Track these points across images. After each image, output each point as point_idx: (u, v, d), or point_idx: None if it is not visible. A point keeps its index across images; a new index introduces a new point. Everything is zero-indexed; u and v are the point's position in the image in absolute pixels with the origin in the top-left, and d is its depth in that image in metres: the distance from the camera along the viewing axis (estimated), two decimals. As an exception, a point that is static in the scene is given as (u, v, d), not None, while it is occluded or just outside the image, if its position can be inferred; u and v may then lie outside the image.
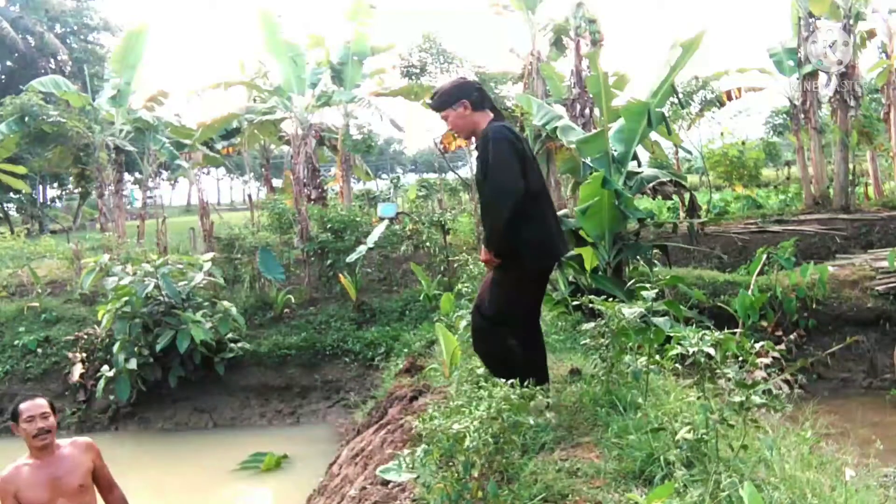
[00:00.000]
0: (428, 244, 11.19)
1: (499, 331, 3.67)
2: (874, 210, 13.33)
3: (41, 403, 3.61)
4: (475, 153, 3.81)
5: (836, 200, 13.44)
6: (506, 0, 15.15)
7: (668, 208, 14.62)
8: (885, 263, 9.63)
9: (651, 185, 7.59)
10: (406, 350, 7.98)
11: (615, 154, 7.69)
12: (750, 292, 8.30)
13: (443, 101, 3.73)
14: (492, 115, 3.73)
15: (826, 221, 12.55)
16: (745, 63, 20.92)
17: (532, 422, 2.97)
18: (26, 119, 13.83)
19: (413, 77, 14.97)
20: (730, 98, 16.14)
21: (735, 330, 6.61)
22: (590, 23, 13.82)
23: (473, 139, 3.84)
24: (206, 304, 9.74)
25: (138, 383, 9.15)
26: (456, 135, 3.83)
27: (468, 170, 21.27)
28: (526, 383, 3.03)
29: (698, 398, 2.88)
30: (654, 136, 10.84)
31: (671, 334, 3.23)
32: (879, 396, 8.31)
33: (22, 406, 3.57)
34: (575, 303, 4.70)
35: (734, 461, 2.71)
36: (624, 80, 15.09)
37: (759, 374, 3.71)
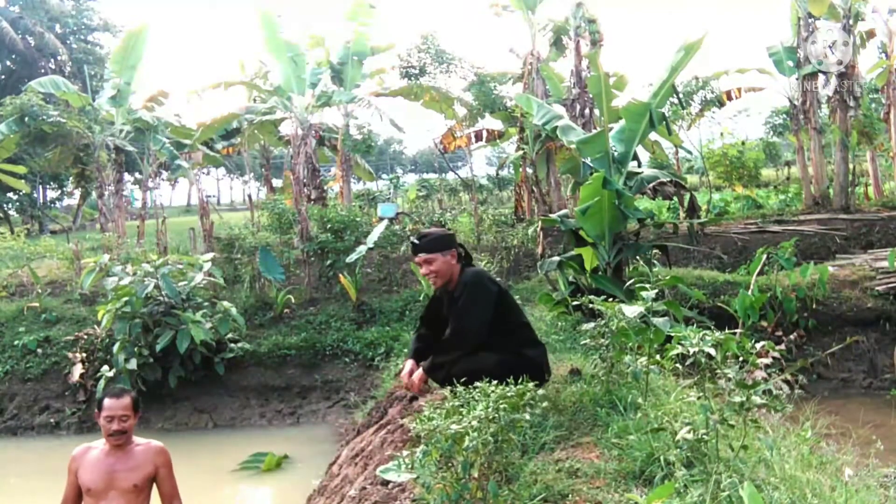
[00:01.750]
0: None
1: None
2: (874, 210, 13.33)
3: (124, 404, 3.57)
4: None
5: (836, 200, 13.44)
6: (505, 0, 15.14)
7: (668, 208, 14.62)
8: (885, 263, 9.63)
9: (651, 185, 7.59)
10: (406, 350, 7.97)
11: (615, 154, 7.69)
12: (750, 292, 8.31)
13: (436, 245, 3.91)
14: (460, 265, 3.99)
15: (826, 221, 12.55)
16: (745, 63, 20.91)
17: (528, 417, 2.98)
18: (26, 119, 13.83)
19: (412, 78, 14.98)
20: (730, 98, 16.13)
21: (735, 330, 6.61)
22: (590, 23, 13.82)
23: (442, 285, 4.01)
24: (206, 304, 9.74)
25: (138, 383, 9.13)
26: (429, 278, 3.98)
27: (468, 170, 21.30)
28: (521, 380, 3.06)
29: (698, 398, 2.88)
30: (654, 136, 10.86)
31: (671, 334, 3.23)
32: (879, 396, 8.31)
33: (106, 402, 3.57)
34: (575, 303, 4.70)
35: (734, 461, 2.71)
36: (623, 80, 15.10)
37: (760, 374, 3.71)
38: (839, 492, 2.68)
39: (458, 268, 3.93)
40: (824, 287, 9.04)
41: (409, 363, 4.18)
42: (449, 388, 3.87)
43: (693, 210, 8.35)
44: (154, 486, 3.71)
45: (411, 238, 4.06)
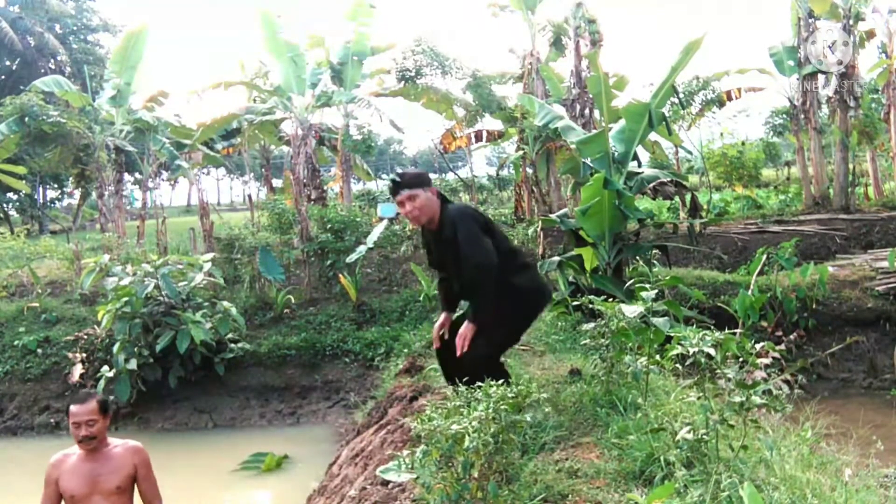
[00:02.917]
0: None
1: (496, 362, 3.83)
2: (874, 210, 13.33)
3: (89, 409, 3.52)
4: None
5: (836, 201, 13.44)
6: (504, 0, 15.15)
7: (669, 208, 14.62)
8: (885, 263, 9.63)
9: (651, 185, 7.58)
10: (406, 350, 7.97)
11: (615, 154, 7.69)
12: (750, 292, 8.30)
13: (417, 181, 3.83)
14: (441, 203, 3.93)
15: (826, 222, 12.55)
16: (745, 63, 20.92)
17: (529, 419, 2.98)
18: (26, 119, 13.82)
19: (409, 81, 14.99)
20: (730, 98, 16.14)
21: (735, 330, 6.61)
22: (589, 23, 13.82)
23: (425, 222, 3.93)
24: (206, 304, 9.73)
25: (138, 384, 9.15)
26: (412, 218, 3.90)
27: (468, 170, 21.29)
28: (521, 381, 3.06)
29: (698, 398, 2.88)
30: (654, 136, 10.84)
31: (671, 334, 3.23)
32: (879, 396, 8.30)
33: (71, 408, 3.54)
34: (575, 303, 4.70)
35: (734, 461, 2.71)
36: (623, 81, 15.09)
37: (760, 374, 3.71)
38: (839, 492, 2.68)
39: (439, 205, 3.86)
40: (824, 287, 9.03)
41: (442, 316, 4.12)
42: (451, 387, 3.87)
43: (695, 209, 8.35)
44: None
45: (391, 177, 3.93)
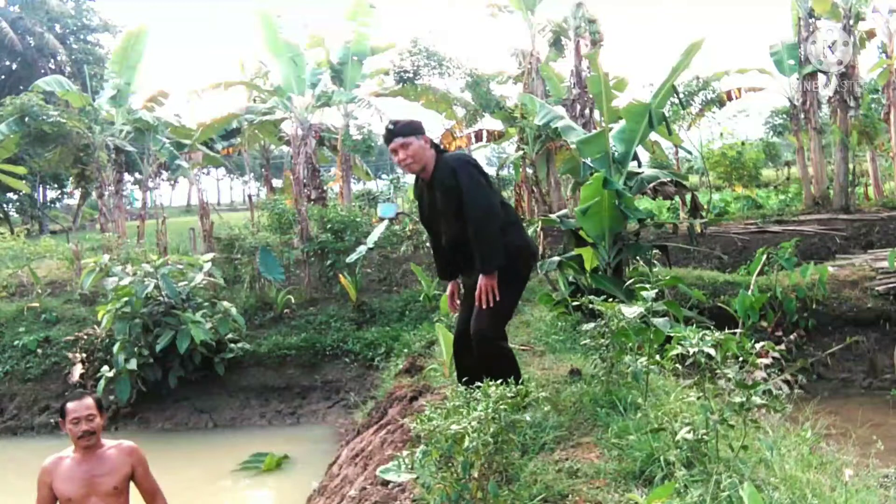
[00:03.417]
0: (428, 244, 11.19)
1: (503, 345, 3.80)
2: (874, 210, 13.33)
3: (88, 404, 3.53)
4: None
5: (836, 201, 13.44)
6: (504, 1, 15.14)
7: (669, 208, 14.62)
8: (885, 264, 9.63)
9: (651, 185, 7.58)
10: (406, 350, 7.97)
11: (615, 154, 7.68)
12: (750, 292, 8.30)
13: (410, 129, 3.79)
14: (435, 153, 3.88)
15: (826, 222, 12.54)
16: (745, 63, 20.92)
17: (529, 419, 2.98)
18: (26, 119, 13.80)
19: (407, 82, 14.99)
20: (730, 98, 16.12)
21: (735, 330, 6.60)
22: (589, 23, 13.82)
23: (418, 170, 3.88)
24: (206, 304, 9.73)
25: (138, 383, 9.15)
26: (406, 166, 3.85)
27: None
28: (521, 381, 3.07)
29: (698, 398, 2.88)
30: (654, 136, 10.84)
31: (671, 334, 3.23)
32: (879, 396, 8.30)
33: (69, 406, 3.54)
34: (575, 303, 4.70)
35: (734, 461, 2.71)
36: (623, 83, 15.09)
37: (760, 374, 3.71)
38: (839, 492, 2.67)
39: (433, 154, 3.83)
40: (824, 287, 9.03)
41: (450, 286, 4.10)
42: (450, 386, 3.87)
43: (695, 209, 8.35)
44: (133, 485, 3.67)
45: (386, 126, 3.88)
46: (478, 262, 3.66)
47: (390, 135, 3.78)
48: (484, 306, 3.61)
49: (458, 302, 4.09)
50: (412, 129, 3.79)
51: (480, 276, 3.64)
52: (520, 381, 3.24)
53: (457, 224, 3.74)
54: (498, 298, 3.63)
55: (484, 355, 3.70)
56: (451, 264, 4.05)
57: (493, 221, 3.64)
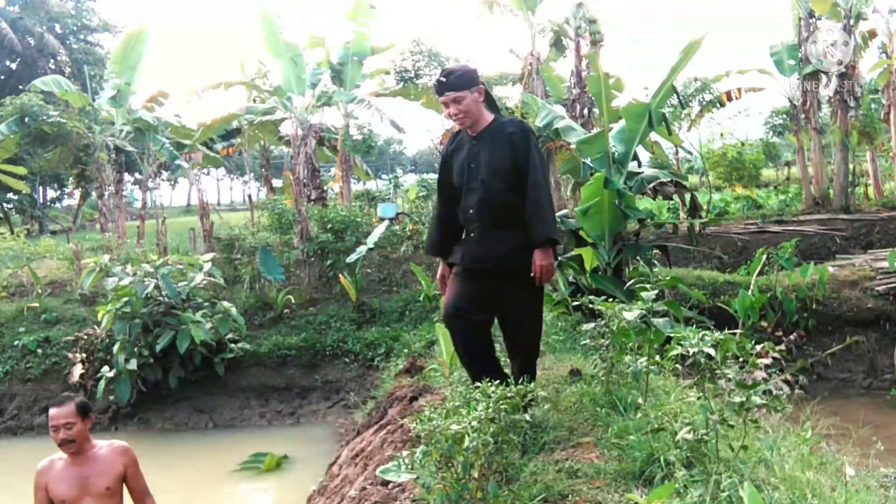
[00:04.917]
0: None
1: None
2: (874, 210, 13.34)
3: (67, 411, 3.46)
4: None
5: (836, 201, 13.44)
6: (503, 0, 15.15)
7: (669, 208, 14.62)
8: (885, 264, 9.63)
9: (651, 185, 7.59)
10: (406, 350, 7.98)
11: (615, 154, 7.69)
12: (750, 293, 8.30)
13: (464, 81, 3.47)
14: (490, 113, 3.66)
15: (826, 222, 12.55)
16: (745, 64, 20.91)
17: (529, 419, 2.97)
18: (26, 119, 13.81)
19: (407, 82, 15.01)
20: (730, 99, 16.13)
21: (735, 330, 6.61)
22: (590, 23, 13.82)
23: (469, 125, 3.60)
24: (206, 304, 9.73)
25: (138, 384, 9.15)
26: (457, 120, 3.53)
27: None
28: (521, 381, 3.06)
29: (698, 398, 2.88)
30: (654, 136, 10.83)
31: (671, 335, 3.22)
32: (879, 396, 8.31)
33: (50, 411, 3.51)
34: (575, 303, 4.70)
35: (734, 461, 2.71)
36: (620, 84, 15.08)
37: (760, 374, 3.71)
38: (839, 492, 2.67)
39: (485, 111, 3.54)
40: (824, 287, 9.03)
41: (441, 267, 3.79)
42: (450, 386, 3.86)
43: (695, 209, 8.35)
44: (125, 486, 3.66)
45: (437, 77, 3.50)
46: (539, 227, 3.44)
47: (441, 87, 3.48)
48: (539, 281, 3.45)
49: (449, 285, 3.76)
50: (468, 81, 3.48)
51: (537, 254, 3.42)
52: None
53: (500, 185, 3.49)
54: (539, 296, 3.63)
55: (531, 364, 3.77)
56: (450, 237, 3.75)
57: (546, 192, 3.48)
